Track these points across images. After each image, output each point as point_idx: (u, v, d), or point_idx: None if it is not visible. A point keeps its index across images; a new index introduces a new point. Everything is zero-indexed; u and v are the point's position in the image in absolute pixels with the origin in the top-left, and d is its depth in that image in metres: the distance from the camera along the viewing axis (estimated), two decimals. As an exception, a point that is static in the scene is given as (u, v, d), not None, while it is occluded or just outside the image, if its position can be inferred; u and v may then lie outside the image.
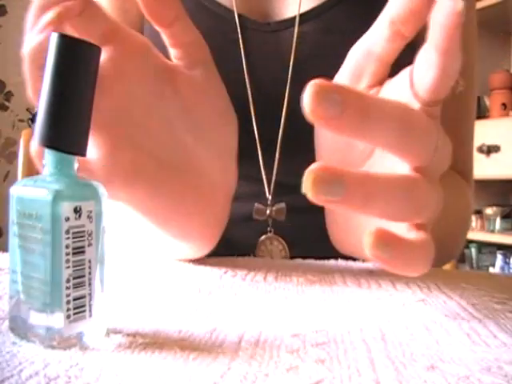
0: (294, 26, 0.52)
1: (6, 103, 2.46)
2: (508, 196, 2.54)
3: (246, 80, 0.51)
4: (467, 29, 0.58)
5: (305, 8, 0.52)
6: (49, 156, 0.23)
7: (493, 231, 2.36)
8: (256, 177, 0.52)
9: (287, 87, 0.51)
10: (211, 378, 0.20)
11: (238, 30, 0.51)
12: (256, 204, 0.52)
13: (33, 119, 2.22)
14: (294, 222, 0.52)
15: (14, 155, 2.33)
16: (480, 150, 2.19)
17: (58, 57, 0.22)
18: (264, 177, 0.53)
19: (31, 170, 0.87)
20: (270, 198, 0.52)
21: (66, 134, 0.23)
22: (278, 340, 0.24)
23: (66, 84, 0.22)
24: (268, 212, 0.52)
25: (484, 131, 2.14)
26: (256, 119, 0.52)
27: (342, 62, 0.50)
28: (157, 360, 0.22)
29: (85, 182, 0.24)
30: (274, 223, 0.52)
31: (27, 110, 2.45)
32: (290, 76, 0.51)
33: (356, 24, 0.51)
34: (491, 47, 2.40)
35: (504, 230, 2.35)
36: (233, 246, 0.48)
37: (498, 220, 2.37)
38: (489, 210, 2.38)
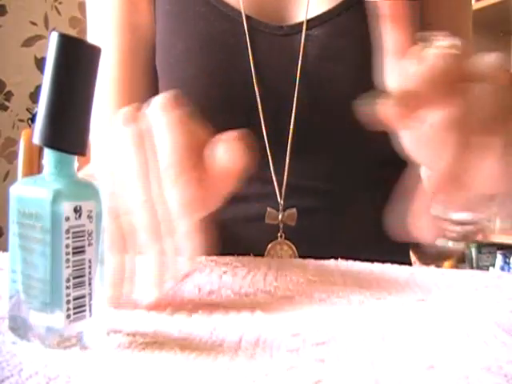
0: (305, 29, 0.52)
1: (6, 103, 2.45)
2: (508, 196, 2.53)
3: (255, 82, 0.52)
4: (463, 24, 0.58)
5: (315, 12, 0.53)
6: (49, 156, 0.23)
7: (493, 231, 2.36)
8: (266, 178, 0.53)
9: (296, 89, 0.51)
10: (211, 377, 0.20)
11: (246, 33, 0.52)
12: (268, 208, 0.53)
13: (33, 119, 2.21)
14: (303, 224, 0.52)
15: (14, 155, 2.33)
16: (480, 150, 2.19)
17: (58, 57, 0.22)
18: (274, 179, 0.53)
19: (31, 170, 0.87)
20: (281, 202, 0.53)
21: (66, 133, 0.23)
22: (278, 340, 0.24)
23: (66, 84, 0.22)
24: (280, 217, 0.52)
25: (484, 131, 2.14)
26: (265, 121, 0.52)
27: (349, 65, 0.51)
28: (157, 360, 0.22)
29: (85, 181, 0.24)
30: (284, 226, 0.53)
31: (27, 109, 2.45)
32: (298, 78, 0.52)
33: (364, 29, 0.52)
34: (491, 47, 2.39)
35: (504, 230, 2.35)
36: (242, 247, 0.48)
37: (498, 220, 2.37)
38: (489, 210, 2.37)
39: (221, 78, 0.53)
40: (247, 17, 0.53)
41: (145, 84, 0.59)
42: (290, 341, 0.24)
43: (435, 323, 0.28)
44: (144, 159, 0.30)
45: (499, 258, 2.36)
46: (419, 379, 0.20)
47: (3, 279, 0.35)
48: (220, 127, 0.53)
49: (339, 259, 0.45)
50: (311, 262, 0.45)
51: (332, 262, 0.45)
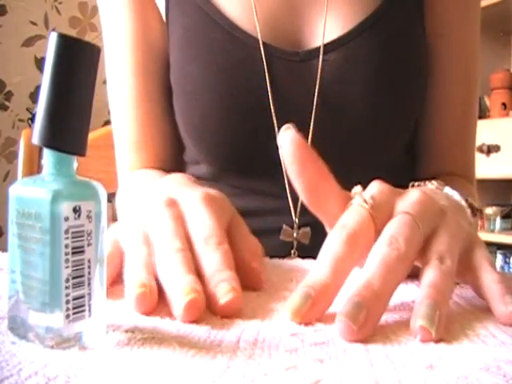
0: (322, 54, 0.53)
1: (6, 103, 2.45)
2: (508, 196, 2.53)
3: (272, 108, 0.53)
4: (469, 35, 0.59)
5: (331, 37, 0.54)
6: (48, 156, 0.23)
7: (493, 231, 2.36)
8: (281, 196, 0.54)
9: (313, 113, 0.52)
10: (210, 377, 0.20)
11: (264, 60, 0.53)
12: (284, 226, 0.54)
13: (33, 119, 2.21)
14: (317, 242, 0.53)
15: (14, 155, 2.33)
16: (480, 149, 2.19)
17: (58, 57, 0.22)
18: (289, 196, 0.54)
19: (31, 170, 0.87)
20: (296, 220, 0.54)
21: (65, 133, 0.23)
22: (277, 339, 0.24)
23: (65, 84, 0.22)
24: (294, 235, 0.53)
25: (484, 131, 2.14)
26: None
27: (365, 88, 0.51)
28: (156, 360, 0.22)
29: (84, 181, 0.24)
30: (298, 243, 0.53)
31: (27, 109, 2.45)
32: (315, 102, 0.53)
33: (378, 52, 0.52)
34: (491, 47, 2.39)
35: (504, 230, 2.35)
36: None
37: (498, 220, 2.37)
38: (489, 210, 2.37)
39: (239, 105, 0.53)
40: (263, 43, 0.53)
41: (160, 100, 0.60)
42: (289, 341, 0.24)
43: (434, 323, 0.28)
44: (183, 230, 0.33)
45: (499, 257, 2.36)
46: (419, 379, 0.20)
47: (3, 279, 0.35)
48: (238, 151, 0.54)
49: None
50: (311, 261, 0.45)
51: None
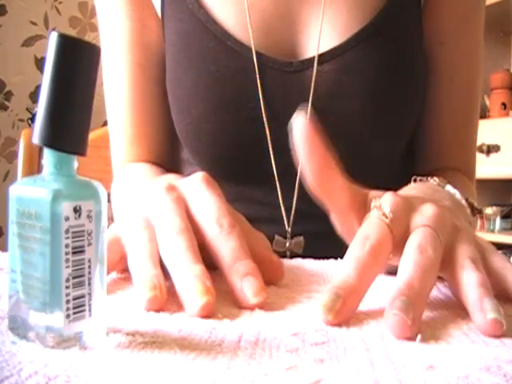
0: (315, 65, 0.52)
1: (6, 103, 2.45)
2: (508, 196, 2.54)
3: (264, 119, 0.52)
4: (472, 42, 0.58)
5: (325, 47, 0.53)
6: (48, 156, 0.23)
7: (493, 231, 2.36)
8: (274, 204, 0.54)
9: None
10: (211, 377, 0.20)
11: (256, 70, 0.52)
12: (276, 236, 0.54)
13: (33, 119, 2.21)
14: (310, 250, 0.53)
15: (14, 155, 2.33)
16: (480, 149, 2.19)
17: (58, 57, 0.22)
18: (282, 205, 0.54)
19: (31, 170, 0.88)
20: (289, 230, 0.53)
21: (65, 133, 0.23)
22: (278, 339, 0.24)
23: (65, 84, 0.22)
24: (287, 244, 0.53)
25: (484, 131, 2.14)
26: (274, 157, 0.53)
27: (359, 101, 0.51)
28: (156, 359, 0.22)
29: (84, 181, 0.24)
30: (292, 252, 0.53)
31: (27, 109, 2.45)
32: (308, 114, 0.52)
33: (374, 64, 0.52)
34: (491, 47, 2.39)
35: (504, 230, 2.35)
36: None
37: (498, 220, 2.37)
38: (489, 210, 2.37)
39: (230, 115, 0.53)
40: (256, 53, 0.53)
41: (157, 99, 0.60)
42: (290, 340, 0.24)
43: (434, 322, 0.28)
44: (184, 209, 0.33)
45: (499, 257, 2.35)
46: (419, 379, 0.20)
47: (3, 279, 0.35)
48: (230, 160, 0.54)
49: (339, 259, 0.45)
50: (310, 261, 0.45)
51: (332, 261, 0.45)
